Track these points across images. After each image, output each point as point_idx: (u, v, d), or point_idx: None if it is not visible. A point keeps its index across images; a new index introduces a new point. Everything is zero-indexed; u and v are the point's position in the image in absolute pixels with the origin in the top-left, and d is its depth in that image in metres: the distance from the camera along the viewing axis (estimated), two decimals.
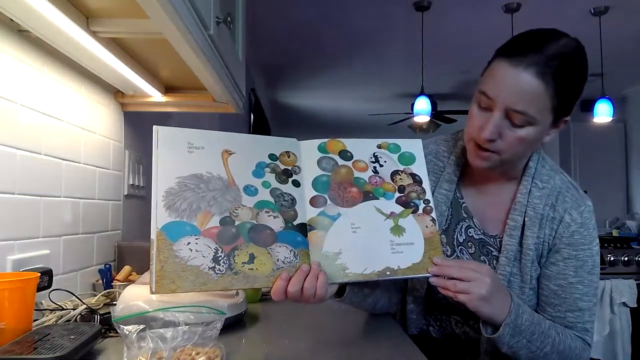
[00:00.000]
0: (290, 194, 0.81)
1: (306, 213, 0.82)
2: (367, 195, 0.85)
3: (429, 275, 0.84)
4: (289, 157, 0.84)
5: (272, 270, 0.76)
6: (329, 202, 0.83)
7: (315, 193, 0.83)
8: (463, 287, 0.81)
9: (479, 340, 0.94)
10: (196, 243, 0.73)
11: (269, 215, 0.79)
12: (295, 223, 0.80)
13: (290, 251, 0.78)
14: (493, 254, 0.97)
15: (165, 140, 0.77)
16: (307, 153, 0.86)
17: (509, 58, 0.83)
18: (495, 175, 0.98)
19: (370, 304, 1.00)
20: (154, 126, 0.77)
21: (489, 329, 0.87)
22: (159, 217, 0.72)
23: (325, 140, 0.88)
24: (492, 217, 0.99)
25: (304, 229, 0.81)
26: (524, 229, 0.94)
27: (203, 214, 0.75)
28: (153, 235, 0.71)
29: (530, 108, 0.82)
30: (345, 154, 0.87)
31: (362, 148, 0.89)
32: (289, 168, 0.83)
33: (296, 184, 0.83)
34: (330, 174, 0.85)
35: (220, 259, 0.73)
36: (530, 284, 0.94)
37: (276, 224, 0.79)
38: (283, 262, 0.77)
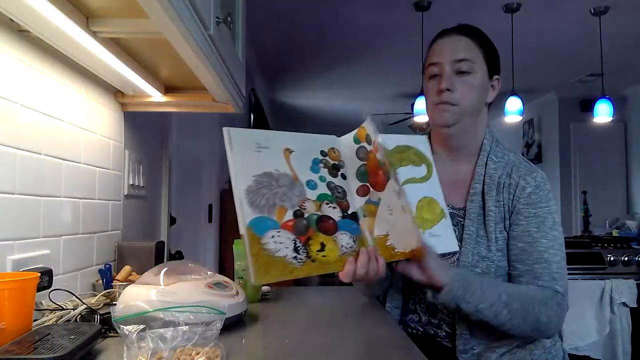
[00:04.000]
0: (341, 186, 0.89)
1: (355, 202, 0.89)
2: (387, 176, 0.88)
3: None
4: (335, 153, 0.91)
5: (338, 256, 0.83)
6: (371, 189, 0.89)
7: (360, 183, 0.90)
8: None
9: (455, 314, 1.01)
10: (279, 236, 0.79)
11: (329, 207, 0.86)
12: (349, 212, 0.88)
13: (350, 237, 0.85)
14: (462, 222, 1.07)
15: (237, 141, 0.80)
16: (347, 146, 0.92)
17: (442, 36, 1.09)
18: (456, 154, 1.11)
19: (386, 283, 1.12)
20: (223, 128, 0.80)
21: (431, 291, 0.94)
22: (245, 213, 0.76)
23: (356, 130, 0.93)
24: (457, 193, 1.10)
25: (355, 217, 0.88)
26: (484, 195, 1.06)
27: (279, 209, 0.80)
28: (242, 231, 0.75)
29: (468, 54, 1.04)
30: (369, 139, 0.91)
31: (374, 131, 0.91)
32: (337, 162, 0.91)
33: (344, 176, 0.90)
34: (365, 162, 0.90)
35: (299, 249, 0.80)
36: (497, 244, 1.03)
37: (335, 214, 0.86)
38: (346, 248, 0.84)
